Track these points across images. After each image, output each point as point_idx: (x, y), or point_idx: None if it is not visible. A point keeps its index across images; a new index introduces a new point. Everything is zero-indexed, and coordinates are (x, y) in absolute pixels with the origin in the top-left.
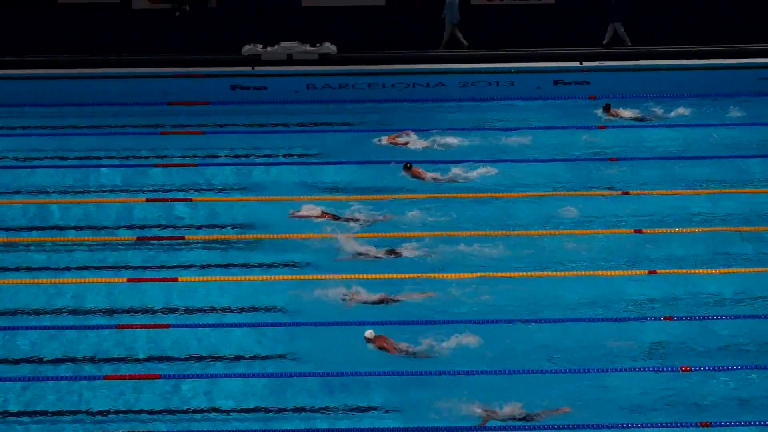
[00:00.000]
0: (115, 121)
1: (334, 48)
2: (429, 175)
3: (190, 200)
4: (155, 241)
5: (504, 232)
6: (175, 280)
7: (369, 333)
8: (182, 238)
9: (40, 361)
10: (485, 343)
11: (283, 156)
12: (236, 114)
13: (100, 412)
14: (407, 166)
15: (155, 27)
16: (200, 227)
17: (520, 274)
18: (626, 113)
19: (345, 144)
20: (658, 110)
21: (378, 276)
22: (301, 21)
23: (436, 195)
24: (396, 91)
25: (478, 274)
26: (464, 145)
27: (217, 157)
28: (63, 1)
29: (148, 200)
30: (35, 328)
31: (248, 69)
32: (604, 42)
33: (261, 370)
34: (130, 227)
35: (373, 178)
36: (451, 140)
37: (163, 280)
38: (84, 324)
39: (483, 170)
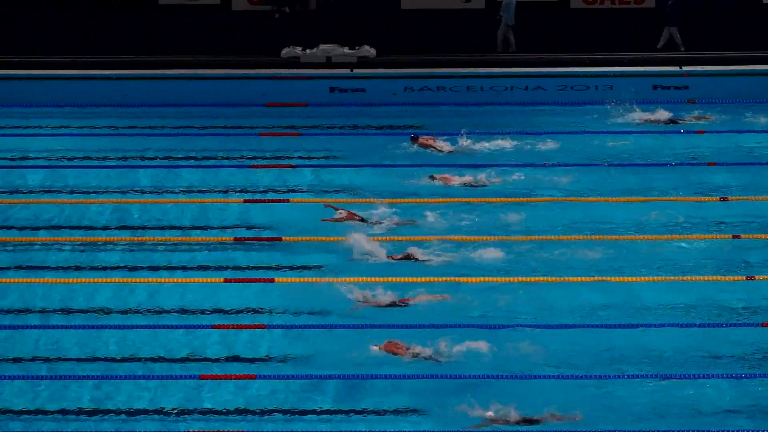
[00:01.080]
0: (214, 122)
1: (373, 51)
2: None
3: (287, 201)
4: (253, 242)
5: (599, 236)
6: (272, 280)
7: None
8: (279, 239)
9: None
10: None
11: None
12: (334, 116)
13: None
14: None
15: (255, 28)
16: (299, 228)
17: (618, 278)
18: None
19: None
20: (758, 117)
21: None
22: (402, 23)
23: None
24: (494, 94)
25: (576, 278)
26: (555, 148)
27: (313, 158)
28: (164, 2)
29: (246, 201)
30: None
31: (347, 71)
32: (658, 46)
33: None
34: (228, 228)
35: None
36: (550, 144)
37: (259, 280)
38: (186, 324)
39: (574, 174)
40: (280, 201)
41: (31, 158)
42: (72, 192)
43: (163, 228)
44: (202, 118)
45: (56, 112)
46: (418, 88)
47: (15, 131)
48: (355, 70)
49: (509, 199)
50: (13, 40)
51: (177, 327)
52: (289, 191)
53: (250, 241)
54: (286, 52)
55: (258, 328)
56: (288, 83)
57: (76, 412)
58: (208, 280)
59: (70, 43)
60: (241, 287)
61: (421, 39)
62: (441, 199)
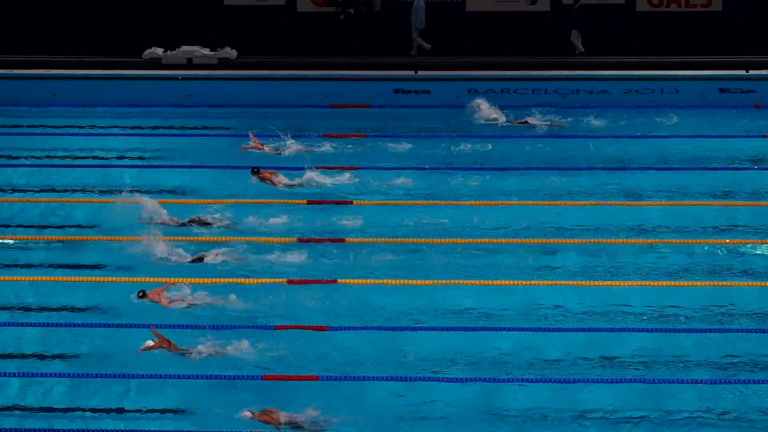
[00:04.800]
0: (278, 122)
1: (234, 53)
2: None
3: (351, 203)
4: (316, 243)
5: (664, 240)
6: (335, 281)
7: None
8: (342, 240)
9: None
10: None
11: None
12: (397, 118)
13: None
14: (255, 170)
15: (319, 29)
16: (363, 230)
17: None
18: None
19: (502, 149)
20: None
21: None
22: (464, 24)
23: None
24: (559, 97)
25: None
26: (621, 153)
27: (376, 160)
28: (229, 2)
29: (309, 202)
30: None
31: (411, 73)
32: (576, 53)
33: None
34: (292, 229)
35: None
36: (610, 148)
37: (322, 281)
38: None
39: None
40: (343, 202)
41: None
42: (161, 191)
43: (226, 227)
44: (266, 119)
45: (126, 112)
46: (482, 91)
47: (87, 131)
48: (420, 72)
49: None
50: (80, 40)
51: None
52: (350, 193)
53: (313, 243)
54: (147, 53)
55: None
56: (351, 85)
57: None
58: (275, 281)
59: (136, 43)
60: (305, 288)
61: (486, 41)
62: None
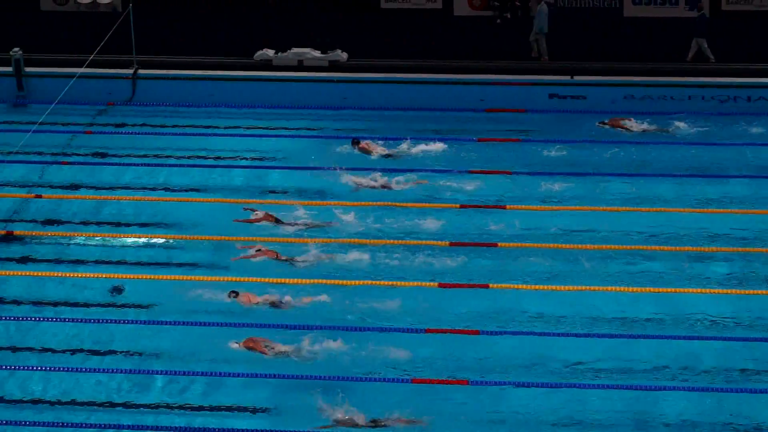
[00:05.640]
0: (433, 126)
1: (344, 55)
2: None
3: (504, 207)
4: (469, 247)
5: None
6: (486, 286)
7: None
8: (495, 245)
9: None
10: None
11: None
12: (552, 122)
13: None
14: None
15: (476, 33)
16: (516, 235)
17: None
18: None
19: (658, 154)
20: None
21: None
22: (622, 29)
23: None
24: (717, 104)
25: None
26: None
27: (530, 165)
28: (386, 6)
29: (462, 206)
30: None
31: (567, 78)
32: (687, 58)
33: None
34: (444, 233)
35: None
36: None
37: (473, 286)
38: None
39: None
40: (496, 207)
41: (274, 158)
42: (300, 192)
43: (376, 230)
44: (419, 122)
45: (273, 113)
46: (639, 97)
47: (233, 131)
48: (576, 77)
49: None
50: (228, 41)
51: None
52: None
53: (465, 247)
54: (258, 54)
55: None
56: (507, 89)
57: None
58: (426, 284)
59: (290, 45)
60: (456, 292)
61: (644, 46)
62: None
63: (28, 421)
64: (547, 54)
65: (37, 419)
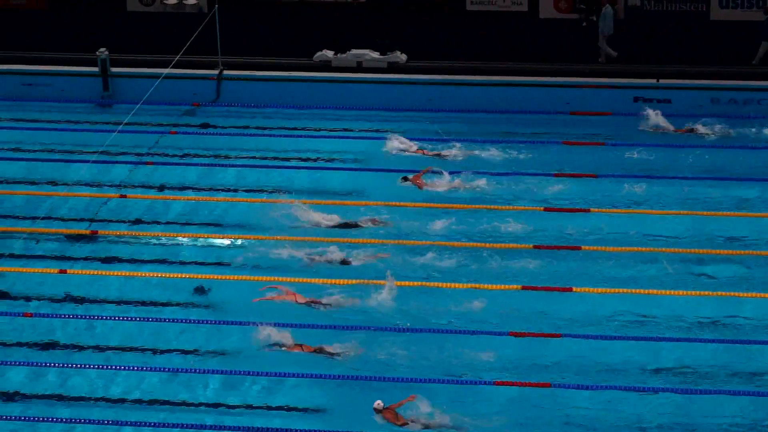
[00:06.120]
0: (517, 129)
1: (404, 57)
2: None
3: (588, 210)
4: (553, 250)
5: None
6: (569, 289)
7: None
8: (578, 248)
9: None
10: None
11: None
12: (637, 126)
13: None
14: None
15: (561, 36)
16: (599, 238)
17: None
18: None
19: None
20: None
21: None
22: (708, 33)
23: None
24: None
25: None
26: None
27: (614, 168)
28: (472, 8)
29: (546, 209)
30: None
31: (652, 81)
32: (753, 62)
33: None
34: (526, 236)
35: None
36: None
37: (556, 289)
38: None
39: None
40: (580, 210)
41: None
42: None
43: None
44: (503, 125)
45: (363, 115)
46: (725, 101)
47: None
48: (662, 81)
49: None
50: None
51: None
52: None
53: (549, 249)
54: (318, 55)
55: None
56: (592, 92)
57: None
58: (509, 287)
59: (377, 45)
60: (539, 295)
61: (730, 50)
62: None
63: (91, 420)
64: (609, 57)
65: (101, 417)
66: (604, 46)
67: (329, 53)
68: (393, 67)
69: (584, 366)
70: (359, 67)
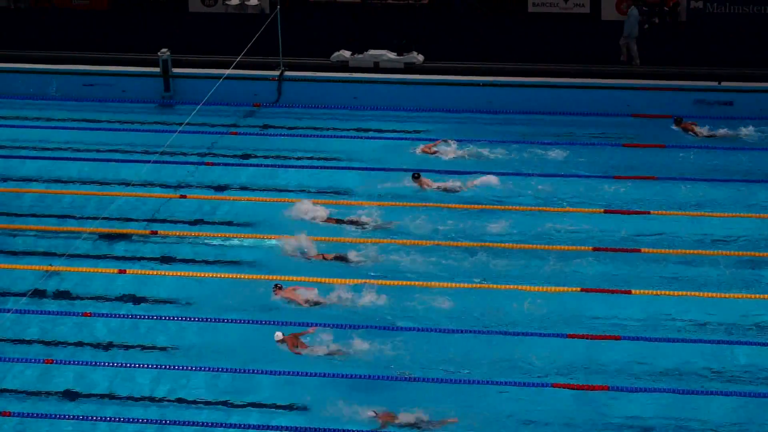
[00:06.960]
0: (578, 131)
1: (420, 57)
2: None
3: (648, 213)
4: (610, 253)
5: None
6: (628, 292)
7: (278, 335)
8: (638, 250)
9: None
10: None
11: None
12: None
13: None
14: (415, 176)
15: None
16: (658, 241)
17: None
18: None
19: None
20: None
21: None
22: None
23: None
24: None
25: None
26: None
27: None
28: (533, 10)
29: (606, 211)
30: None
31: (714, 84)
32: None
33: None
34: (589, 237)
35: None
36: None
37: (615, 291)
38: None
39: None
40: (640, 212)
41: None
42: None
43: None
44: (563, 126)
45: (425, 116)
46: None
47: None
48: (723, 83)
49: None
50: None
51: None
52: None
53: (608, 252)
54: (335, 55)
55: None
56: (652, 94)
57: None
58: (567, 289)
59: (437, 49)
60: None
61: None
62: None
63: (135, 419)
64: (638, 58)
65: (144, 416)
66: (633, 47)
67: (346, 53)
68: (410, 68)
69: (644, 369)
70: (376, 68)
